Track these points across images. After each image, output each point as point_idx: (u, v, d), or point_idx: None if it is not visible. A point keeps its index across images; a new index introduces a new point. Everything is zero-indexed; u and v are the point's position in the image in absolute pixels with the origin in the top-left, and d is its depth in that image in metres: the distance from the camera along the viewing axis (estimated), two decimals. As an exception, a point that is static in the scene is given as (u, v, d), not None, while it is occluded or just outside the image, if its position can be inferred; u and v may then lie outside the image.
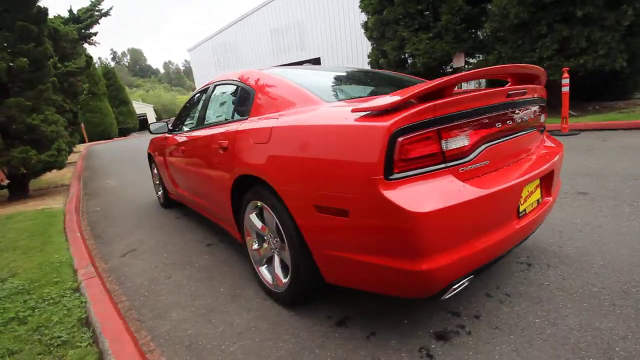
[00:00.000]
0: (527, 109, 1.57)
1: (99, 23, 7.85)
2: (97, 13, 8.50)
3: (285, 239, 1.62)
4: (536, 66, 1.61)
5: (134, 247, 3.01)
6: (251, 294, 2.00)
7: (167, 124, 3.38)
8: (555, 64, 5.93)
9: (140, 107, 43.75)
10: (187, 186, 2.95)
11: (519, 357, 1.33)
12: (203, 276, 2.29)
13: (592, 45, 5.65)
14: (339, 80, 2.15)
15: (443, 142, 1.19)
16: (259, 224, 1.89)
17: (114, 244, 3.15)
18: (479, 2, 6.96)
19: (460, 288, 1.31)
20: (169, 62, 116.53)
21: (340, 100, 1.63)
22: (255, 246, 2.01)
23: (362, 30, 15.55)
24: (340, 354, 1.45)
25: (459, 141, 1.23)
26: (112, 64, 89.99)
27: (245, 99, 2.06)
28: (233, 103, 2.20)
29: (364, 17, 15.12)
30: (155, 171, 4.24)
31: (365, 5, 8.56)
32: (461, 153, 1.24)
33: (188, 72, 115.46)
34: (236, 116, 2.09)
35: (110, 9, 8.61)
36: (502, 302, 1.67)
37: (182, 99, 59.44)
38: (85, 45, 7.96)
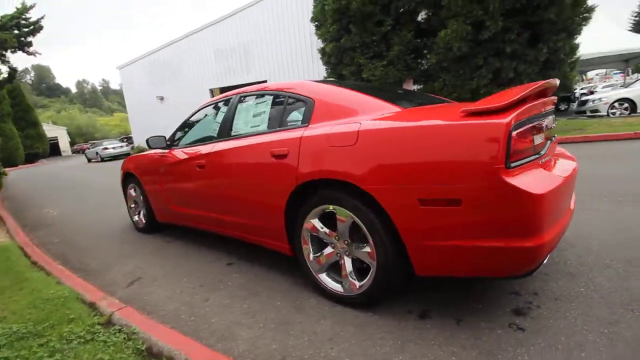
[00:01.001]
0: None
1: (40, 32, 6.92)
2: (23, 22, 7.51)
3: (371, 238, 1.67)
4: (556, 79, 1.95)
5: (137, 275, 2.67)
6: (314, 303, 1.97)
7: (165, 139, 3.14)
8: (490, 90, 7.02)
9: (51, 130, 38.42)
10: (202, 203, 2.76)
11: (589, 317, 1.57)
12: (247, 294, 2.16)
13: (517, 76, 6.89)
14: (377, 91, 2.31)
15: (535, 137, 1.42)
16: (325, 229, 1.90)
17: (105, 275, 2.75)
18: (425, 36, 7.97)
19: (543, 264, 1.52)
20: (83, 80, 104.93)
21: (414, 106, 1.80)
22: (314, 255, 2.00)
23: (310, 54, 16.33)
24: (441, 340, 1.53)
25: (540, 137, 1.48)
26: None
27: (299, 108, 2.09)
28: (279, 112, 2.21)
29: (311, 42, 15.92)
30: (134, 192, 3.84)
31: (322, 33, 9.10)
32: (541, 147, 1.49)
33: (106, 92, 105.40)
34: (288, 124, 2.11)
35: (42, 17, 7.69)
36: (546, 280, 1.94)
37: (103, 121, 53.89)
38: (23, 54, 6.90)
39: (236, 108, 2.57)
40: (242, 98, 2.57)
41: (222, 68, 19.14)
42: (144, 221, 3.81)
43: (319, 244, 2.01)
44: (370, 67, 8.21)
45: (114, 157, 19.87)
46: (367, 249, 1.72)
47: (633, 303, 1.64)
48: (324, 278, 1.98)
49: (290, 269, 2.41)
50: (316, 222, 1.93)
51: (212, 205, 2.63)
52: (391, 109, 1.76)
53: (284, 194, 2.01)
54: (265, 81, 18.60)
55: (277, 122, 2.21)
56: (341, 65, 8.85)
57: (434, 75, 7.90)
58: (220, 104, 2.81)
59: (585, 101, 10.99)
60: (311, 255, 2.01)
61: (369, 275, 1.76)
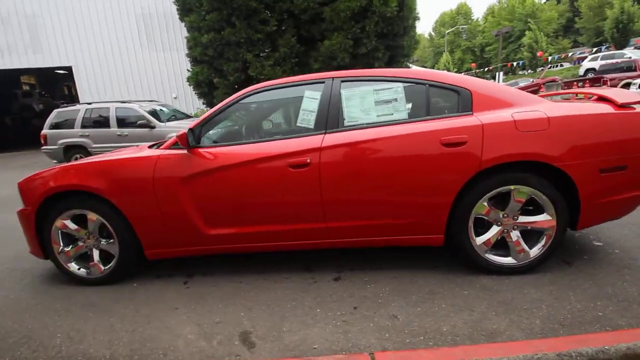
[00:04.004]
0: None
1: None
2: None
3: (553, 209, 2.00)
4: None
5: (231, 333, 1.84)
6: (489, 281, 2.09)
7: (191, 136, 2.17)
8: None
9: None
10: (295, 214, 2.16)
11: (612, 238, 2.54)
12: (422, 298, 2.00)
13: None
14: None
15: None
16: (495, 209, 2.07)
17: (177, 353, 1.71)
18: (307, 43, 8.50)
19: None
20: None
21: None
22: (482, 239, 2.11)
23: (144, 40, 13.49)
24: (590, 272, 2.10)
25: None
26: None
27: (448, 97, 2.14)
28: (421, 100, 2.14)
29: (145, 25, 13.13)
30: (74, 225, 2.38)
31: (194, 20, 7.86)
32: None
33: None
34: (436, 113, 2.11)
35: None
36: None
37: None
38: None
39: (339, 94, 2.20)
40: (344, 83, 2.24)
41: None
42: (103, 267, 2.43)
43: (488, 225, 2.13)
44: (258, 65, 7.96)
45: None
46: (542, 219, 2.05)
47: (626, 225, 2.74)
48: (492, 257, 2.14)
49: (417, 263, 2.37)
50: (487, 205, 2.06)
51: (323, 213, 2.13)
52: (540, 100, 2.16)
53: (457, 182, 2.02)
54: (70, 68, 13.91)
55: (423, 110, 2.13)
56: (222, 60, 8.05)
57: (317, 80, 8.63)
58: (300, 89, 2.28)
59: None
60: (479, 240, 2.11)
61: (542, 242, 2.09)
